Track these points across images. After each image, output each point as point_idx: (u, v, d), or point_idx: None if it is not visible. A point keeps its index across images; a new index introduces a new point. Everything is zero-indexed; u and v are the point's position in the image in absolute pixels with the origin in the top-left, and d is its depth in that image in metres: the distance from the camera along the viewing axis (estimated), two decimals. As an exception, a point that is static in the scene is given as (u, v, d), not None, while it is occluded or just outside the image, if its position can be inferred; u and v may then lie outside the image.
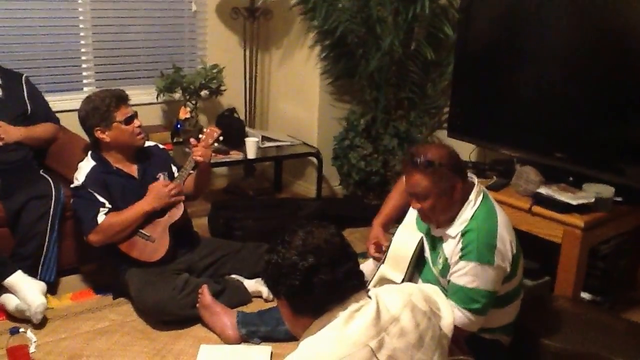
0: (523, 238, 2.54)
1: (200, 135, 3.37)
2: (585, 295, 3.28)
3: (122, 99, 3.23)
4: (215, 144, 3.41)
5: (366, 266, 2.74)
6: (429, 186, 2.33)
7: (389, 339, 1.70)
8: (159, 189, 3.23)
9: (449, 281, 2.42)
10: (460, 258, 2.35)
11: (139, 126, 3.26)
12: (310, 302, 1.72)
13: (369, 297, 1.77)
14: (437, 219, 2.44)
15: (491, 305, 2.38)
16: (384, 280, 2.59)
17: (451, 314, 1.93)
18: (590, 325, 2.73)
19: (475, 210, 2.39)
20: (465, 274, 2.34)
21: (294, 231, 1.77)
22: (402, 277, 2.55)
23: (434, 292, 1.99)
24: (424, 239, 2.61)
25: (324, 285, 1.69)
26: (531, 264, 3.20)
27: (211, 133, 3.35)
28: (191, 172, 3.33)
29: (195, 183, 3.41)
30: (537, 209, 3.14)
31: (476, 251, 2.32)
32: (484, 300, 2.33)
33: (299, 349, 1.71)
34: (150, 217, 3.22)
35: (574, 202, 3.04)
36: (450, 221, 2.43)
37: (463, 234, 2.37)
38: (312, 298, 1.71)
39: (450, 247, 2.42)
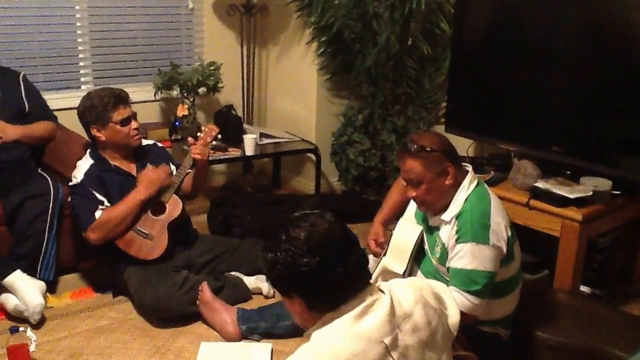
0: (521, 232, 2.55)
1: (198, 134, 3.37)
2: (584, 288, 3.28)
3: (121, 99, 3.23)
4: (214, 142, 3.40)
5: (366, 262, 2.76)
6: (421, 171, 2.40)
7: (401, 335, 1.68)
8: (149, 175, 3.22)
9: (448, 268, 2.44)
10: (456, 241, 2.39)
11: (137, 128, 3.26)
12: (327, 297, 1.69)
13: (382, 291, 1.75)
14: (432, 205, 2.49)
15: (491, 287, 2.40)
16: (386, 272, 2.63)
17: (457, 313, 1.91)
18: (588, 319, 2.74)
19: (469, 195, 2.43)
20: (462, 256, 2.37)
21: (296, 226, 1.71)
22: (404, 268, 2.58)
23: (442, 289, 1.97)
24: (424, 230, 2.63)
25: (340, 278, 1.66)
26: (530, 257, 3.21)
27: (209, 131, 3.34)
28: (189, 170, 3.33)
29: (193, 181, 3.41)
30: (534, 202, 3.15)
31: (471, 232, 2.36)
32: (483, 281, 2.35)
33: (312, 342, 1.68)
34: (149, 214, 3.23)
35: (572, 196, 3.04)
36: (445, 208, 2.47)
37: (457, 217, 2.41)
38: (329, 293, 1.68)
39: (446, 233, 2.46)
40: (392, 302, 1.70)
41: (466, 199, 2.43)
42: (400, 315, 1.70)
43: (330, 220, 1.74)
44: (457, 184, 2.45)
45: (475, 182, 2.48)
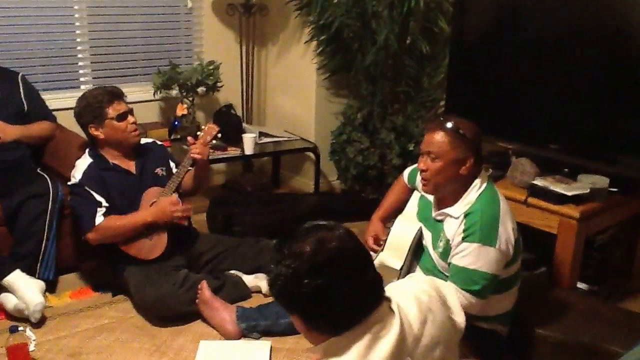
0: (519, 229, 2.56)
1: (198, 133, 3.36)
2: (581, 285, 3.29)
3: (115, 95, 3.23)
4: (214, 141, 3.40)
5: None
6: (446, 148, 2.42)
7: None
8: (166, 206, 3.21)
9: (449, 264, 2.45)
10: (463, 240, 2.40)
11: (134, 123, 3.26)
12: (328, 322, 1.56)
13: (391, 310, 1.62)
14: (436, 187, 2.49)
15: (491, 289, 2.41)
16: (383, 267, 2.65)
17: (463, 320, 1.85)
18: (586, 315, 2.75)
19: (480, 194, 2.45)
20: (466, 255, 2.38)
21: (302, 241, 1.55)
22: (401, 264, 2.60)
23: (448, 292, 1.89)
24: (424, 226, 2.65)
25: (345, 303, 1.53)
26: (527, 254, 3.21)
27: (209, 130, 3.34)
28: (189, 168, 3.33)
29: (194, 180, 3.41)
30: (532, 200, 3.15)
31: (479, 233, 2.37)
32: (484, 282, 2.36)
33: None
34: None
35: (569, 193, 3.05)
36: (452, 201, 2.49)
37: (466, 215, 2.42)
38: (330, 318, 1.55)
39: (453, 228, 2.46)
40: (402, 326, 1.59)
41: (477, 199, 2.44)
42: (411, 341, 1.60)
43: (341, 235, 1.58)
44: (469, 179, 2.46)
45: (487, 183, 2.49)
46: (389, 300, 1.64)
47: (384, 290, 1.63)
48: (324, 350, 1.58)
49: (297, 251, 1.54)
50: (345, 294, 1.52)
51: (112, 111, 3.19)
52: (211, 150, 3.60)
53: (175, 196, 3.27)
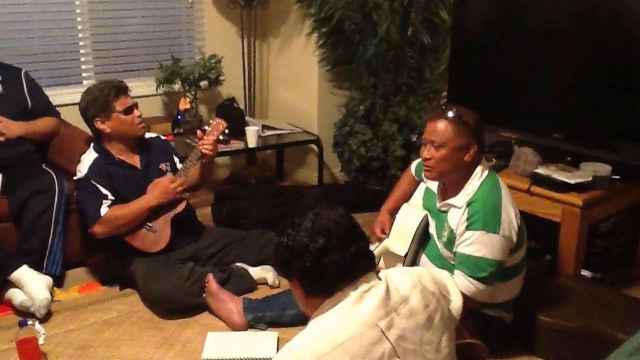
0: (523, 218, 2.58)
1: (205, 127, 3.37)
2: (585, 272, 3.31)
3: (121, 89, 3.25)
4: (221, 137, 3.40)
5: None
6: (450, 136, 2.44)
7: (398, 319, 1.71)
8: (166, 185, 3.24)
9: (454, 253, 2.48)
10: (467, 228, 2.42)
11: (139, 116, 3.28)
12: (321, 282, 1.73)
13: (379, 278, 1.79)
14: (441, 174, 2.51)
15: (497, 275, 2.43)
16: (387, 253, 2.67)
17: (460, 299, 1.93)
18: (591, 302, 2.77)
19: (481, 183, 2.48)
20: (471, 243, 2.41)
21: (303, 213, 1.78)
22: (405, 250, 2.61)
23: (445, 276, 2.00)
24: (429, 216, 2.67)
25: (335, 265, 1.70)
26: (532, 243, 3.23)
27: (217, 126, 3.32)
28: (195, 163, 3.34)
29: (200, 174, 3.42)
30: (535, 188, 3.17)
31: (482, 220, 2.39)
32: (490, 269, 2.39)
33: (308, 328, 1.73)
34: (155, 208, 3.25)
35: (572, 181, 3.06)
36: (455, 191, 2.51)
37: (469, 204, 2.45)
38: (323, 279, 1.72)
39: (456, 218, 2.49)
40: (387, 287, 1.74)
41: (479, 187, 2.46)
42: (397, 299, 1.73)
43: (340, 212, 1.80)
44: (472, 166, 2.49)
45: (488, 171, 2.52)
46: (378, 271, 1.83)
47: (374, 262, 1.82)
48: (319, 311, 1.75)
49: (298, 222, 1.76)
50: (338, 258, 1.71)
51: (119, 105, 3.20)
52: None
53: (171, 174, 3.30)
